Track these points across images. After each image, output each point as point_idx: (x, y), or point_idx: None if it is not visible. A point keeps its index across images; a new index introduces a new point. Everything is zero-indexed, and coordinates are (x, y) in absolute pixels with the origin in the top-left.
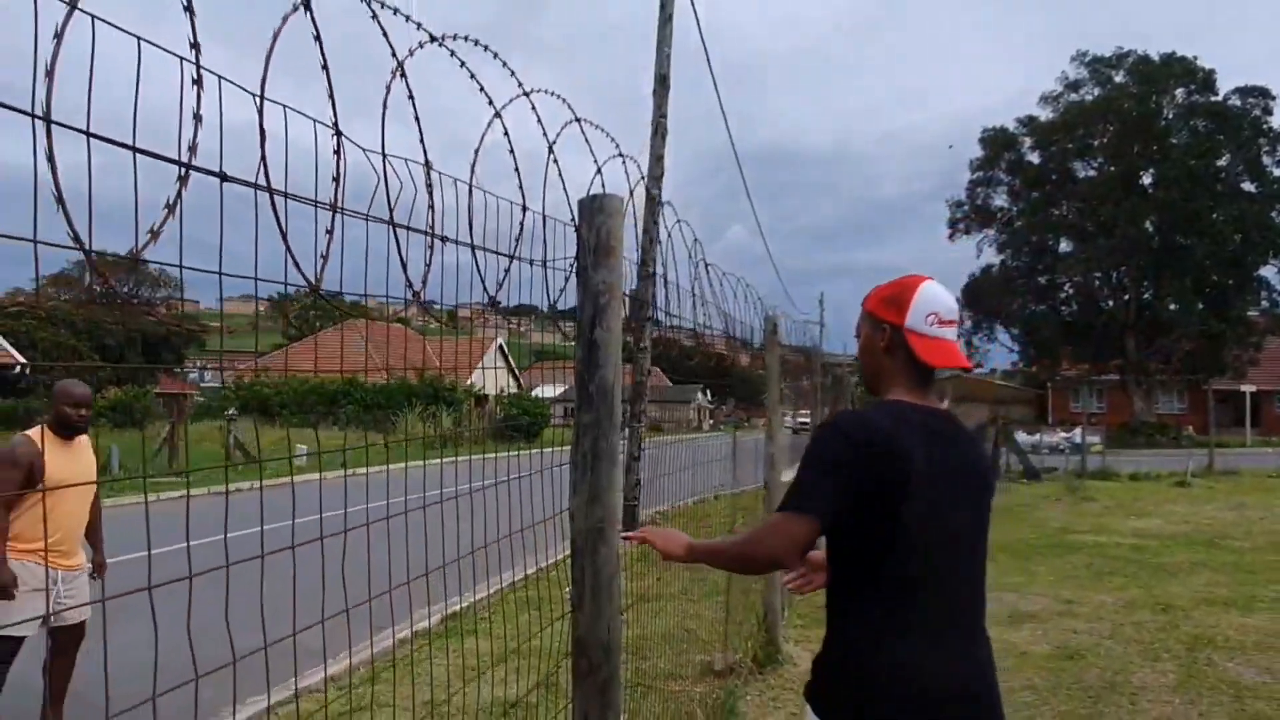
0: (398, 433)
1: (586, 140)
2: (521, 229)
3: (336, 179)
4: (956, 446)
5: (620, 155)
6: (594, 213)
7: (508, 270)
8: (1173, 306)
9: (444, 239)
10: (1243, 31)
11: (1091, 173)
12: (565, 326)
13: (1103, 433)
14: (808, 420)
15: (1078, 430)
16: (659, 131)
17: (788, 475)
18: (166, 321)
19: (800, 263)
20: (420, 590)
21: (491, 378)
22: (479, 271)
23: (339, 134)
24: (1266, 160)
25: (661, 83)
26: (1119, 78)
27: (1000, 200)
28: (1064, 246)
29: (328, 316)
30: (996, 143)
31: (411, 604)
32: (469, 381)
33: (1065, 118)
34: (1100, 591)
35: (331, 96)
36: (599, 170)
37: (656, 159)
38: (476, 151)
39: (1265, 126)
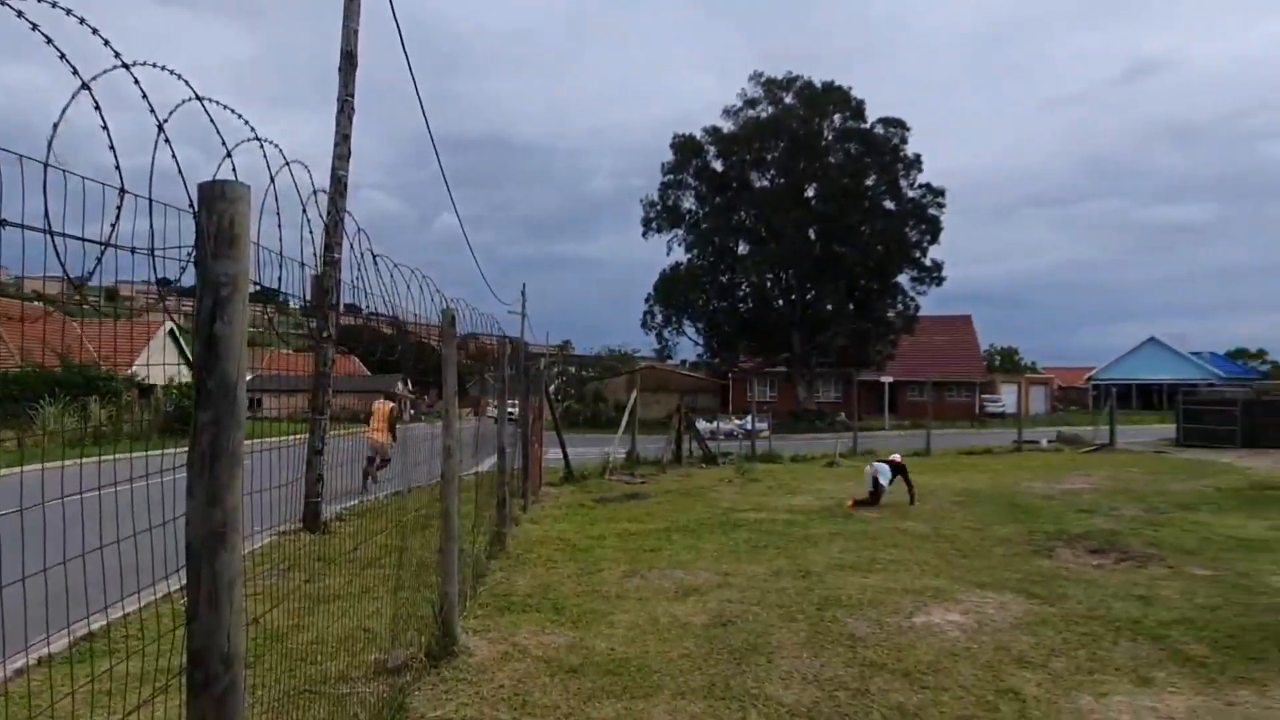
0: (37, 428)
1: (212, 121)
2: (119, 213)
3: None
4: None
5: (257, 139)
6: (215, 198)
7: (99, 259)
8: (829, 307)
9: (7, 224)
10: (890, 67)
11: (765, 183)
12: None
13: (770, 419)
14: (514, 411)
15: (750, 417)
16: (345, 110)
17: (477, 467)
18: None
19: (518, 251)
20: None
21: (163, 365)
22: (59, 258)
23: None
24: (903, 183)
25: (348, 60)
26: (789, 99)
27: (689, 203)
28: (743, 249)
29: None
30: (685, 149)
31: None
32: (130, 370)
33: (744, 131)
34: (755, 563)
35: None
36: (229, 154)
37: (343, 138)
38: (55, 126)
39: (902, 154)
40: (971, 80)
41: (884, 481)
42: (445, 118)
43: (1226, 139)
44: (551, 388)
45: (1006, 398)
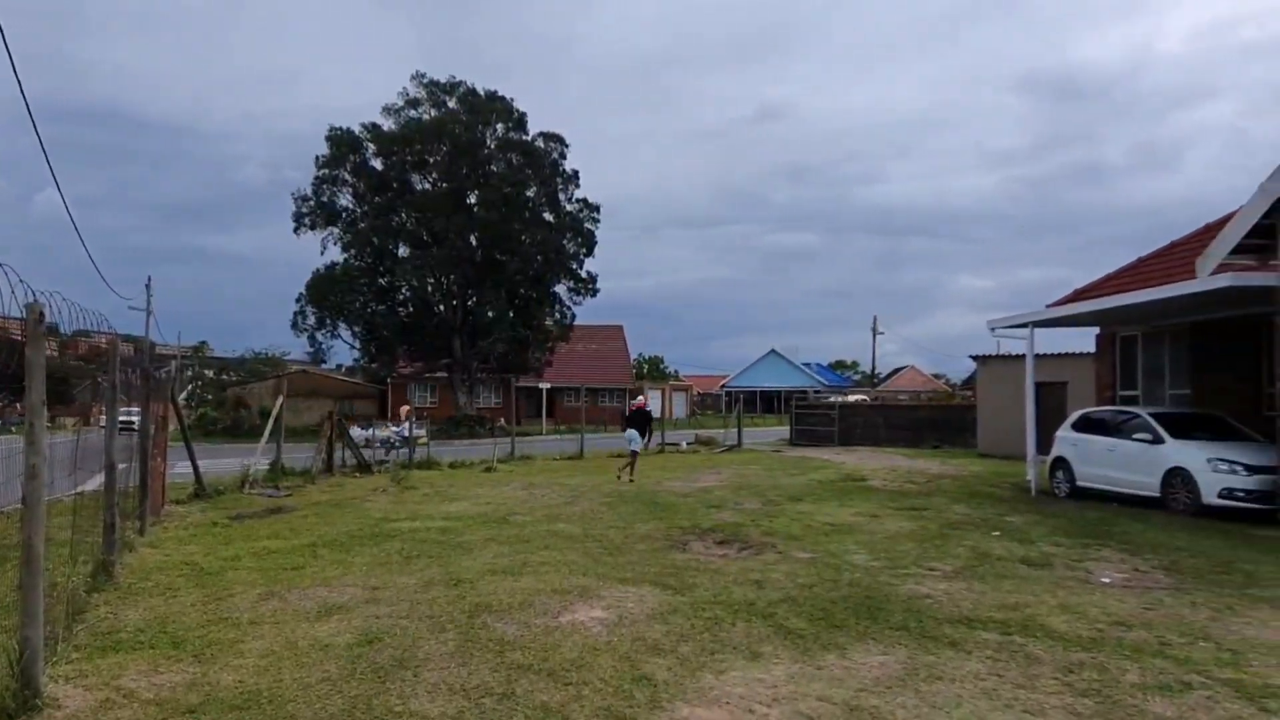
0: None
1: None
2: None
3: None
4: None
5: None
6: None
7: None
8: (490, 313)
9: None
10: (550, 84)
11: (427, 186)
12: None
13: (428, 424)
14: (135, 419)
15: (407, 423)
16: None
17: (82, 485)
18: None
19: (147, 240)
20: None
21: None
22: None
23: None
24: (561, 196)
25: None
26: (452, 104)
27: (346, 200)
28: (403, 251)
29: None
30: (342, 144)
31: None
32: None
33: (405, 132)
34: (406, 574)
35: None
36: None
37: None
38: None
39: (561, 168)
40: (625, 107)
41: (636, 447)
42: (56, 82)
43: (828, 180)
44: (182, 394)
45: (653, 403)
